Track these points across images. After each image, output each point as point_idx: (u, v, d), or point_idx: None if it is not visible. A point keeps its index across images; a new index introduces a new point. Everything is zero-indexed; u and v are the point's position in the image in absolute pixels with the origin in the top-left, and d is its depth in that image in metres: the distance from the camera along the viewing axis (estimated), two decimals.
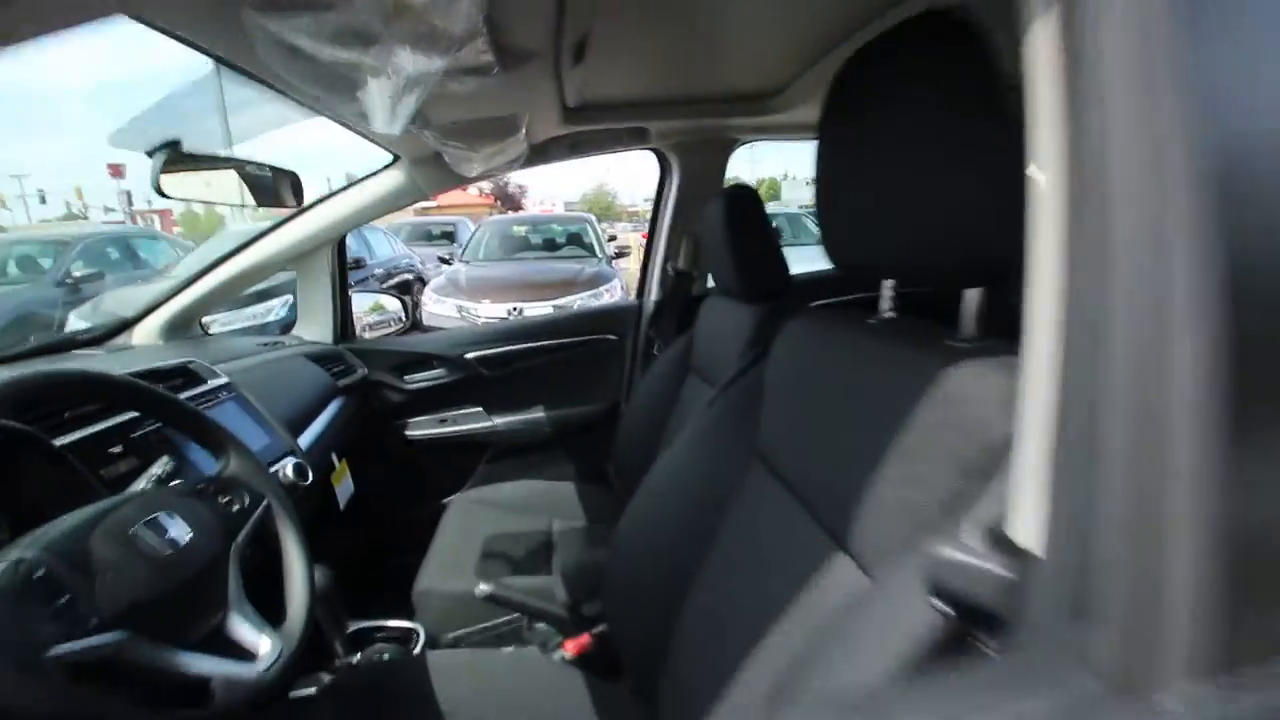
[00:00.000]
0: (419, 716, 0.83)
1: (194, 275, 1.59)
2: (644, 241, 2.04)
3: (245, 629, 0.70)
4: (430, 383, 1.82)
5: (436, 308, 5.25)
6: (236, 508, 0.78)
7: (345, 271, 1.76)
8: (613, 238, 7.91)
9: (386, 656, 1.12)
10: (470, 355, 1.82)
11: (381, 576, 1.65)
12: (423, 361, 1.83)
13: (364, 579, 1.64)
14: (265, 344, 1.62)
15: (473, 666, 0.97)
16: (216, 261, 1.59)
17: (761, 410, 0.85)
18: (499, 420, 1.86)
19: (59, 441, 0.80)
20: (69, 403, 0.85)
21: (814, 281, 1.79)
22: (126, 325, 1.57)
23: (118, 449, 0.87)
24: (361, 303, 2.16)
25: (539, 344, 1.85)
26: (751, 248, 1.30)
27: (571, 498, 1.69)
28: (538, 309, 4.86)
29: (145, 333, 1.56)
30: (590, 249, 6.75)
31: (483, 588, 1.06)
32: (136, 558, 0.62)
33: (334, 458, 1.42)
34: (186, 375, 1.10)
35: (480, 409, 1.86)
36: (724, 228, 1.28)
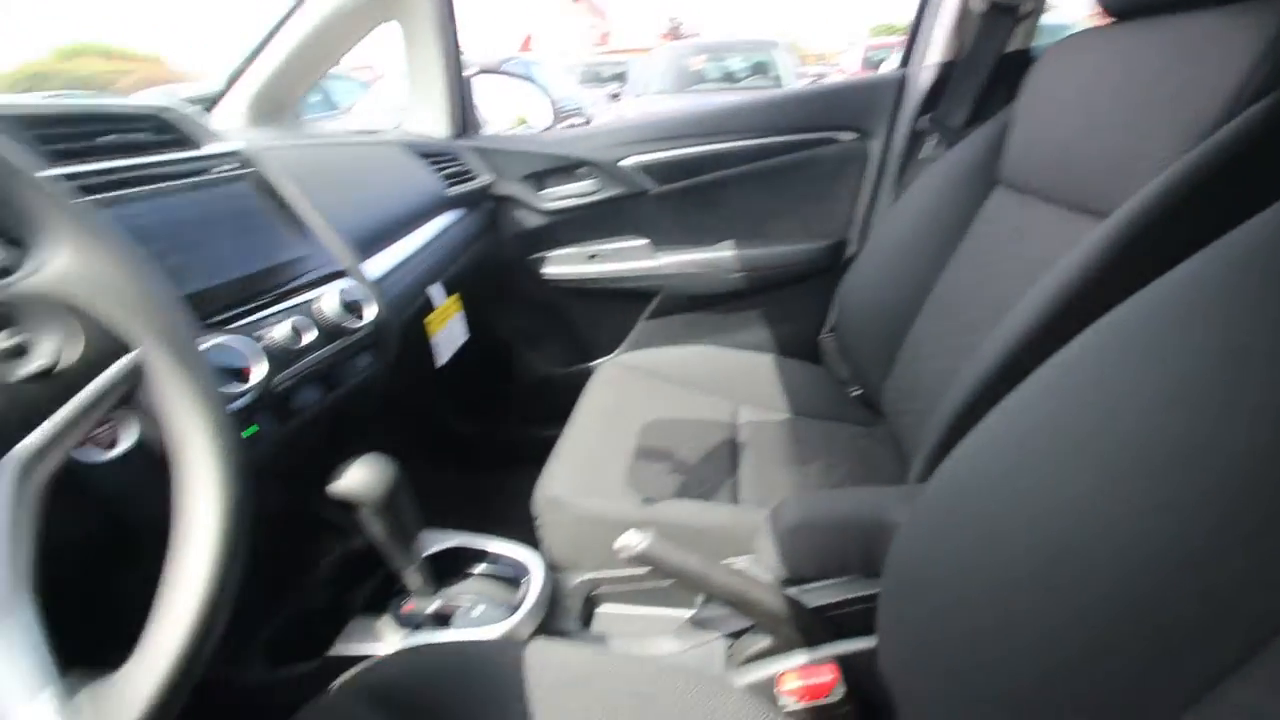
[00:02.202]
0: None
1: (266, 38, 1.15)
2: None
3: None
4: (577, 200, 1.30)
5: None
6: (35, 368, 0.31)
7: (455, 36, 1.22)
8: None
9: (480, 611, 0.70)
10: (629, 161, 1.25)
11: (491, 470, 1.26)
12: (569, 170, 1.30)
13: (464, 473, 1.26)
14: (357, 132, 1.18)
15: (603, 689, 0.50)
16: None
17: None
18: (667, 259, 1.31)
19: None
20: None
21: None
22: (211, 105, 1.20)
23: None
24: (497, 104, 1.63)
25: (732, 144, 1.22)
26: None
27: (767, 376, 1.14)
28: None
29: (225, 116, 1.19)
30: (777, 81, 5.77)
31: (631, 541, 0.57)
32: None
33: (434, 293, 0.98)
34: (157, 129, 0.65)
35: (645, 241, 1.32)
36: None
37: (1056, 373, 0.38)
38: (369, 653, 0.68)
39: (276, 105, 1.21)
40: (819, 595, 0.60)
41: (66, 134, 0.55)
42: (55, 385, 0.31)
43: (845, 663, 0.54)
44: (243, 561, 0.34)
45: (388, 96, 5.74)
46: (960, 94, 1.05)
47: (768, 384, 1.12)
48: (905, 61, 1.14)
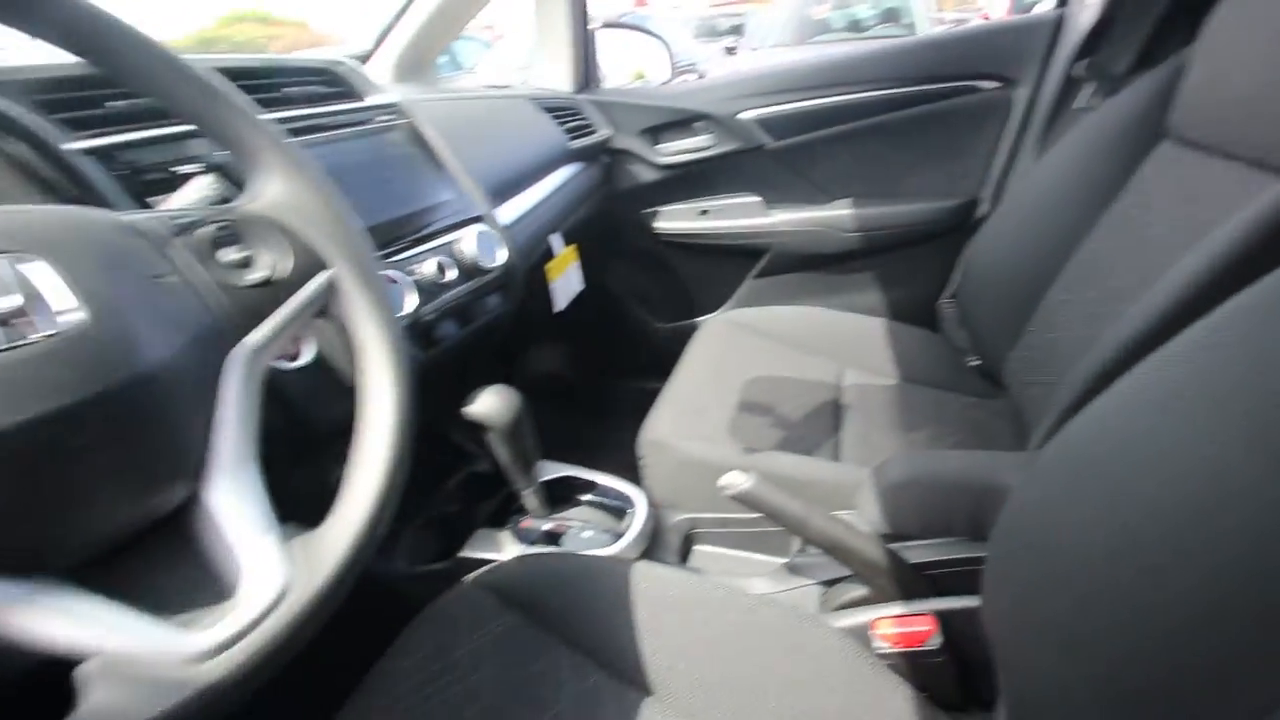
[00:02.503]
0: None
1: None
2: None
3: (233, 529, 0.33)
4: (692, 155, 1.30)
5: None
6: (258, 277, 0.38)
7: None
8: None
9: (588, 534, 0.76)
10: (747, 115, 1.23)
11: (597, 415, 1.31)
12: (685, 124, 1.30)
13: (573, 411, 1.33)
14: (489, 87, 1.24)
15: (702, 613, 0.54)
16: None
17: None
18: (780, 216, 1.29)
19: (72, 146, 0.48)
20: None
21: None
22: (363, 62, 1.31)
23: (191, 167, 0.54)
24: (615, 58, 1.64)
25: (857, 96, 1.17)
26: None
27: (877, 341, 1.11)
28: None
29: (374, 73, 1.29)
30: (909, 29, 5.27)
31: (734, 479, 0.59)
32: None
33: (554, 242, 1.04)
34: (329, 82, 0.73)
35: (758, 199, 1.30)
36: None
37: (1205, 331, 0.36)
38: (491, 559, 0.77)
39: (417, 62, 1.30)
40: (921, 553, 0.60)
41: (260, 85, 0.64)
42: (272, 293, 0.38)
43: (943, 618, 0.54)
44: (413, 444, 0.40)
45: (509, 55, 5.91)
46: (1127, 36, 0.94)
47: (877, 348, 1.09)
48: (1062, 2, 1.04)
